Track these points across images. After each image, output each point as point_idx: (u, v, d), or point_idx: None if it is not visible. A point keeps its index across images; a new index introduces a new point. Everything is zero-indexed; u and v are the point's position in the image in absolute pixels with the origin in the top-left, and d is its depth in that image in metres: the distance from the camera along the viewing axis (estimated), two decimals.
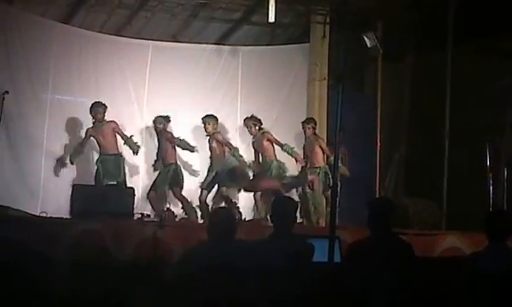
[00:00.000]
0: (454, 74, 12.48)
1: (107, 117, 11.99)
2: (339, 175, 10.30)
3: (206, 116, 12.22)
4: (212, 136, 12.17)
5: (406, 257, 6.24)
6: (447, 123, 12.47)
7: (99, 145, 11.95)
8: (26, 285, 4.81)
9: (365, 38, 12.89)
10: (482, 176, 11.70)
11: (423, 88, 13.72)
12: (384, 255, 6.06)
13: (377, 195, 13.02)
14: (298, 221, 8.52)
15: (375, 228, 6.35)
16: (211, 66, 13.34)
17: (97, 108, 11.86)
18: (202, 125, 12.22)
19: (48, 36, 12.36)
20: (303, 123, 12.57)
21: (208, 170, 12.21)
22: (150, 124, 12.61)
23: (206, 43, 13.49)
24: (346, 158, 12.33)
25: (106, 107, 11.90)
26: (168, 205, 11.87)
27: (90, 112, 11.86)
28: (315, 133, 12.48)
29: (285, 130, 12.82)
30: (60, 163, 12.13)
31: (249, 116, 12.46)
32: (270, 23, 12.20)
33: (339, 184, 10.05)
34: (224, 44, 13.61)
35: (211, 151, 12.21)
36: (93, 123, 11.91)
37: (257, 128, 12.35)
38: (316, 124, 12.53)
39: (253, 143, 12.54)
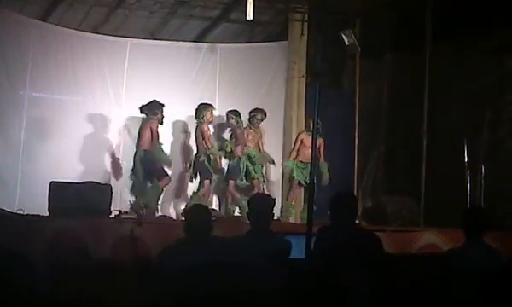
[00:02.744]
0: (432, 72, 12.51)
1: (85, 113, 12.18)
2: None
3: (201, 104, 12.19)
4: (199, 126, 12.10)
5: (374, 248, 6.17)
6: (425, 120, 12.51)
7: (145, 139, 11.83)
8: (3, 285, 4.79)
9: (343, 36, 12.87)
10: (460, 173, 11.75)
11: (402, 85, 13.76)
12: (350, 247, 6.02)
13: (355, 192, 13.05)
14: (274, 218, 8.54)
15: (340, 222, 6.24)
16: (189, 64, 13.34)
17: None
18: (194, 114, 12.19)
19: (25, 33, 12.30)
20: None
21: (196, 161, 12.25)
22: (128, 120, 12.61)
23: (185, 41, 13.48)
24: (321, 148, 12.26)
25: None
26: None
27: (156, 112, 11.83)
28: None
29: (263, 127, 12.81)
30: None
31: (231, 109, 12.49)
32: (249, 21, 12.19)
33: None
34: (202, 42, 13.60)
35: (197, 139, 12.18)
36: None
37: (235, 120, 12.40)
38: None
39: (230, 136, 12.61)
